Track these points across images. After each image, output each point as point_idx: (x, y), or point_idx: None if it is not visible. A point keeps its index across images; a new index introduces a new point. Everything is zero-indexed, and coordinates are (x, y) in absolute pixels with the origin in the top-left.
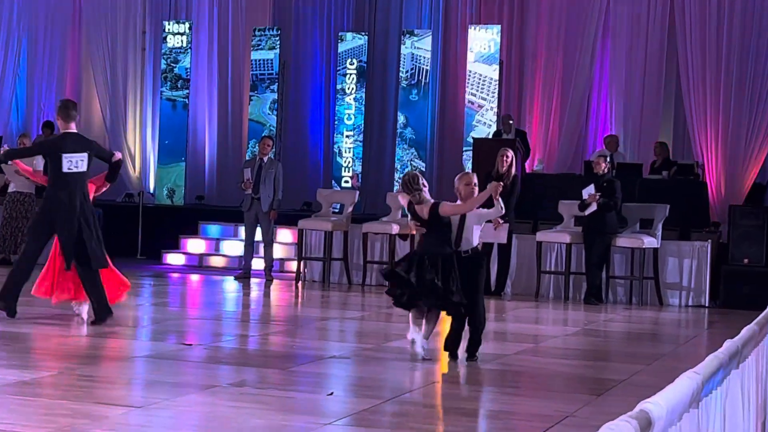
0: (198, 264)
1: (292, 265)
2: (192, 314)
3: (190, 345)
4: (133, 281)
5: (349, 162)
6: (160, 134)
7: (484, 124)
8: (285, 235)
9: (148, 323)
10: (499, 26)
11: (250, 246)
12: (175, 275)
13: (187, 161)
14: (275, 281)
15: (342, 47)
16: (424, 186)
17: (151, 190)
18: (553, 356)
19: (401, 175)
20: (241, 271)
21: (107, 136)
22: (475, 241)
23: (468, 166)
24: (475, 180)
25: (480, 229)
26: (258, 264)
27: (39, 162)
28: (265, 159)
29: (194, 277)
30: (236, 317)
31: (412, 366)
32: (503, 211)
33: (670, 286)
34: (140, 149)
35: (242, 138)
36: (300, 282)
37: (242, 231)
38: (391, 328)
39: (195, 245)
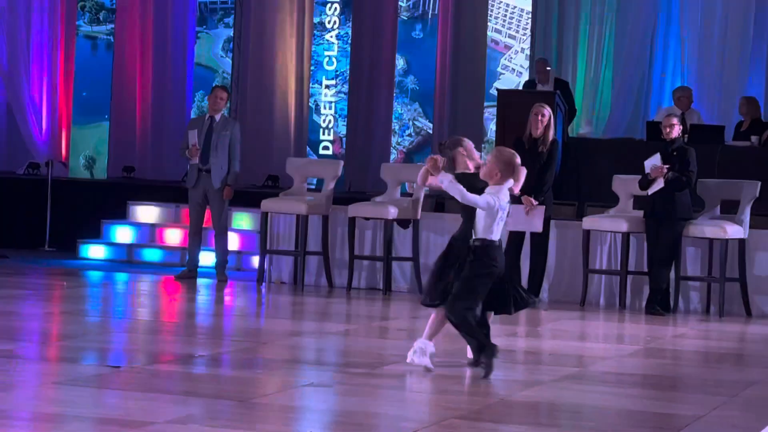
0: (126, 258)
1: (253, 261)
2: (119, 327)
3: (118, 368)
4: (37, 281)
5: (329, 121)
6: (76, 84)
7: (513, 71)
8: (243, 221)
9: (60, 338)
10: None
11: (197, 235)
12: (96, 274)
13: (111, 120)
14: (230, 282)
15: None
16: None
17: (64, 159)
18: (604, 383)
19: (409, 142)
20: (185, 268)
21: (3, 83)
22: None
23: (490, 127)
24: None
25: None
26: (207, 259)
27: None
28: (217, 117)
29: (121, 277)
30: (178, 331)
31: (414, 397)
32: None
33: (760, 291)
34: (49, 104)
35: (186, 89)
36: (264, 284)
37: (186, 214)
38: (386, 346)
39: (122, 234)
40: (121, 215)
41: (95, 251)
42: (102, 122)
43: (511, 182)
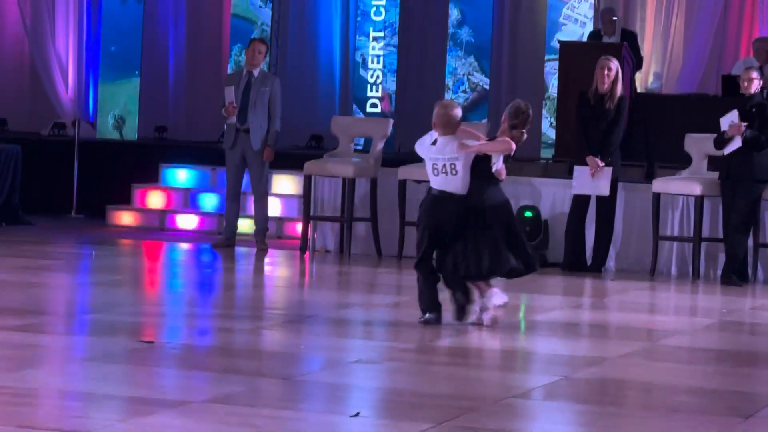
0: (159, 225)
1: (296, 228)
2: (152, 299)
3: (151, 342)
4: (65, 251)
5: (378, 77)
6: (104, 37)
7: (576, 21)
8: (285, 185)
9: (89, 311)
10: None
11: (235, 200)
12: (127, 242)
13: (142, 77)
14: (270, 251)
15: None
16: None
17: (92, 119)
18: (676, 360)
19: (464, 99)
20: (222, 236)
21: (27, 38)
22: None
23: (552, 83)
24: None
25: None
26: (246, 226)
27: None
28: (256, 73)
29: (154, 245)
30: (215, 304)
31: (469, 374)
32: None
33: None
34: (75, 59)
35: (222, 42)
36: (307, 252)
37: (223, 178)
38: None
39: (155, 199)
40: (153, 179)
41: (125, 218)
42: (132, 78)
43: (434, 134)
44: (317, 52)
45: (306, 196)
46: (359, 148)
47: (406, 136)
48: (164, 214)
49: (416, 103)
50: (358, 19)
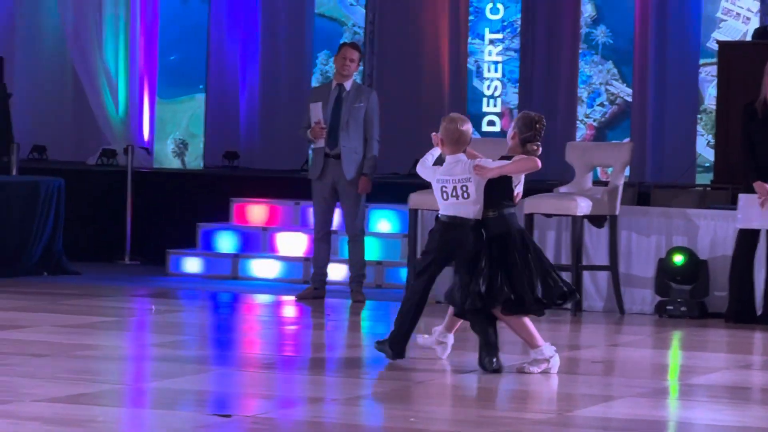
0: (231, 273)
1: (399, 274)
2: (224, 363)
3: (227, 417)
4: (118, 305)
5: (495, 88)
6: (162, 45)
7: (738, 16)
8: (386, 222)
9: (150, 379)
10: None
11: (324, 241)
12: (192, 294)
13: (208, 92)
14: (369, 303)
15: None
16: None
17: (147, 144)
18: None
19: (601, 114)
20: (309, 285)
21: (69, 48)
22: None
23: (708, 92)
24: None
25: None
26: (338, 273)
27: None
28: (348, 85)
29: (225, 297)
30: (301, 368)
31: None
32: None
33: None
34: (127, 72)
35: (305, 49)
36: None
37: (309, 215)
38: (577, 385)
39: (225, 241)
40: (223, 217)
41: (189, 264)
42: (196, 95)
43: (436, 153)
44: (421, 59)
45: (411, 235)
46: None
47: None
48: (236, 259)
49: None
50: (471, 18)
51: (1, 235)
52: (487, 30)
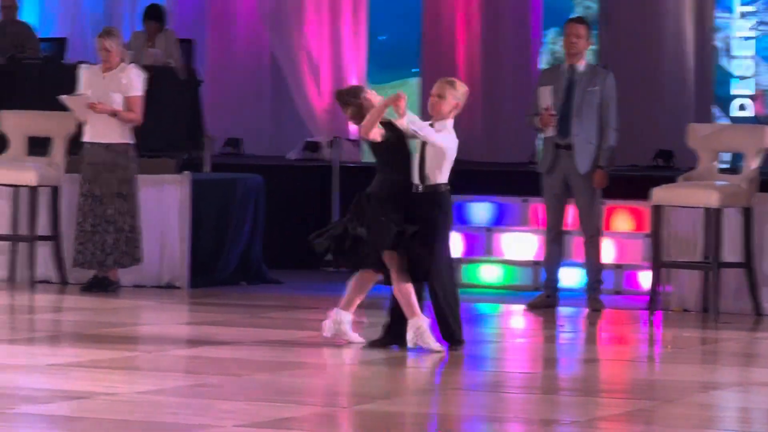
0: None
1: (641, 279)
2: (447, 382)
3: None
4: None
5: (747, 68)
6: (371, 23)
7: None
8: (625, 220)
9: (365, 400)
10: None
11: (556, 242)
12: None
13: (423, 75)
14: (607, 311)
15: None
16: None
17: (355, 135)
18: None
19: None
20: (540, 292)
21: (266, 30)
22: None
23: None
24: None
25: None
26: (572, 278)
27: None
28: (581, 67)
29: None
30: (530, 386)
31: None
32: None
33: None
34: (331, 54)
35: (529, 26)
36: (658, 312)
37: (539, 213)
38: None
39: None
40: None
41: None
42: (409, 79)
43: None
44: (661, 36)
45: (655, 235)
46: (726, 166)
47: None
48: (457, 263)
49: None
50: None
51: (194, 239)
52: (737, 2)
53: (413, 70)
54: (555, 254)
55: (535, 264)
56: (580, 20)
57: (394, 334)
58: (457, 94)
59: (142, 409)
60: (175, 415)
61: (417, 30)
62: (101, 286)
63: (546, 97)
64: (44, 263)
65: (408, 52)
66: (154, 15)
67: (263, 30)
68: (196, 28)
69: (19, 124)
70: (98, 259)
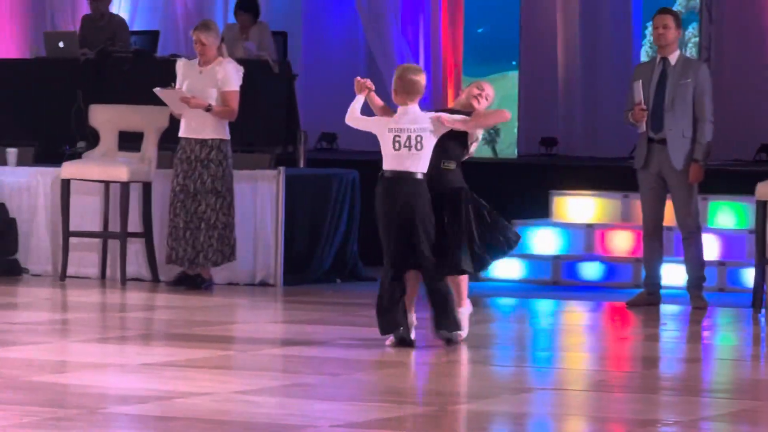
0: (552, 278)
1: (745, 276)
2: (541, 381)
3: None
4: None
5: None
6: (468, 15)
7: None
8: (727, 215)
9: (464, 400)
10: None
11: (654, 239)
12: (506, 301)
13: (521, 69)
14: (710, 309)
15: None
16: None
17: None
18: None
19: None
20: (641, 290)
21: (362, 23)
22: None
23: None
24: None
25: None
26: (674, 275)
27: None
28: (673, 59)
29: (544, 305)
30: (631, 386)
31: None
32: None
33: None
34: (427, 47)
35: (629, 18)
36: (761, 309)
37: (634, 209)
38: None
39: (544, 240)
40: (541, 213)
41: (505, 268)
42: (508, 72)
43: (407, 106)
44: (765, 27)
45: (760, 231)
46: None
47: None
48: (558, 261)
49: None
50: None
51: (289, 237)
52: None
53: (512, 63)
54: (654, 251)
55: (636, 261)
56: (667, 10)
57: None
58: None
59: (237, 409)
60: (271, 415)
61: (516, 21)
62: (194, 283)
63: (638, 91)
64: (135, 260)
65: (507, 45)
66: (247, 7)
67: (358, 22)
68: (290, 21)
69: (110, 118)
70: (190, 256)
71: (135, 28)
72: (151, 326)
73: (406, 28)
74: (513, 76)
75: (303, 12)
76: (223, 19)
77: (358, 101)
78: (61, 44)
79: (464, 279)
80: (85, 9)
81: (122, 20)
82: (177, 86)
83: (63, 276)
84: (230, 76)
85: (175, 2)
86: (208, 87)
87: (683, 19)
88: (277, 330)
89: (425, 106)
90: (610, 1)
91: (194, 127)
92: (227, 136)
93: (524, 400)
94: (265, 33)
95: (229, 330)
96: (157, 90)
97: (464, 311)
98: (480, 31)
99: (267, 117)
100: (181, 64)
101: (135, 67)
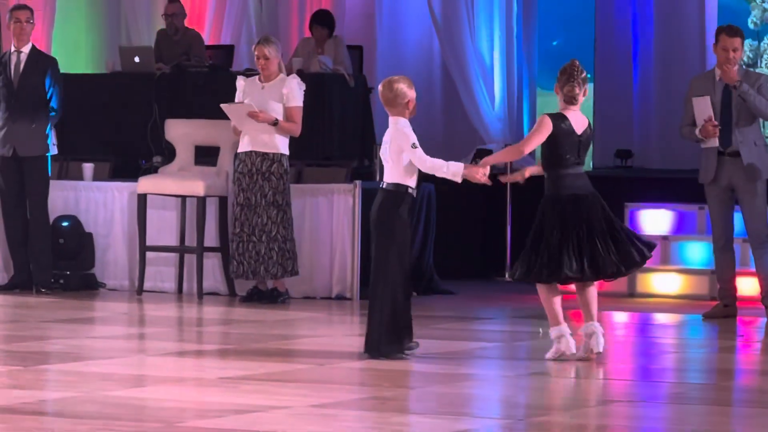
0: (627, 291)
1: None
2: (618, 395)
3: None
4: (497, 329)
5: None
6: (542, 28)
7: None
8: None
9: (530, 414)
10: None
11: (726, 251)
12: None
13: (596, 81)
14: None
15: None
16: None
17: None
18: None
19: None
20: (719, 302)
21: (438, 36)
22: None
23: None
24: None
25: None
26: (750, 286)
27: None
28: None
29: (619, 317)
30: (705, 398)
31: None
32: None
33: None
34: (503, 61)
35: (704, 30)
36: None
37: (706, 221)
38: None
39: None
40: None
41: None
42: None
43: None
44: None
45: None
46: None
47: None
48: (634, 274)
49: None
50: None
51: (365, 250)
52: None
53: (588, 75)
54: (726, 263)
55: (711, 273)
56: (732, 31)
57: None
58: None
59: (316, 423)
60: (350, 428)
61: (591, 33)
62: (270, 297)
63: (706, 107)
64: (212, 275)
65: (582, 58)
66: (323, 21)
67: (434, 35)
68: (366, 35)
69: (185, 133)
70: (252, 269)
71: (210, 42)
72: (228, 340)
73: (480, 40)
74: (588, 88)
75: (378, 25)
76: (299, 34)
77: (457, 170)
78: (136, 59)
79: (595, 295)
80: (160, 23)
81: (197, 35)
82: (242, 101)
83: (140, 290)
84: (295, 92)
85: (250, 16)
86: (272, 101)
87: (759, 31)
88: (354, 343)
89: (500, 118)
90: (685, 15)
91: (257, 140)
92: (287, 152)
93: (602, 412)
94: (340, 47)
95: (306, 344)
96: (223, 105)
97: (599, 327)
98: (555, 43)
99: (343, 131)
100: (242, 82)
101: (210, 82)
